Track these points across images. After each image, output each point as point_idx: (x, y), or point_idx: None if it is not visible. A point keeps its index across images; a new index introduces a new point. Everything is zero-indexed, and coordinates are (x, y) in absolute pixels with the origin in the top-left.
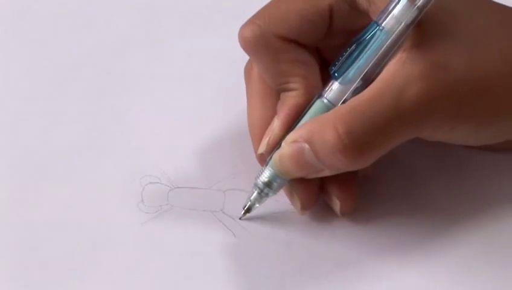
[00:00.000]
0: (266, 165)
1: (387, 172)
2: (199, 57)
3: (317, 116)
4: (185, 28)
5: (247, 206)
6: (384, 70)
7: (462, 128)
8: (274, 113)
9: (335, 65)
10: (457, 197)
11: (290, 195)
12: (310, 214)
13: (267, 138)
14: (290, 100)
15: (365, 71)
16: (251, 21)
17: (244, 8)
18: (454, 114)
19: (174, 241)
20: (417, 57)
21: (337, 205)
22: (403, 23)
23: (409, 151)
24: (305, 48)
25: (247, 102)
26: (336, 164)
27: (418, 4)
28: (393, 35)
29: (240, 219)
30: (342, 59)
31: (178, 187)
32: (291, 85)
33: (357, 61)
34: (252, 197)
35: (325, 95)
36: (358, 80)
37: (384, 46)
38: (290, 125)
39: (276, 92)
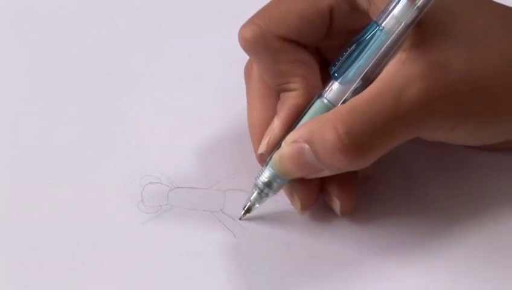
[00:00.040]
0: (266, 165)
1: (387, 172)
2: (199, 57)
3: (317, 116)
4: (185, 28)
5: (247, 207)
6: (384, 70)
7: (462, 129)
8: (274, 113)
9: (335, 65)
10: (457, 197)
11: (290, 195)
12: (310, 214)
13: (267, 138)
14: (290, 100)
15: (365, 71)
16: (251, 21)
17: (244, 8)
18: (454, 114)
19: (174, 241)
20: (417, 57)
21: (337, 205)
22: (402, 23)
23: (409, 151)
24: (305, 48)
25: (247, 102)
26: (335, 164)
27: (418, 4)
28: (393, 36)
29: (239, 219)
30: (341, 59)
31: (178, 187)
32: (291, 85)
33: (357, 61)
34: (252, 197)
35: (325, 95)
36: (358, 80)
37: (384, 46)
38: (290, 125)
39: (276, 92)
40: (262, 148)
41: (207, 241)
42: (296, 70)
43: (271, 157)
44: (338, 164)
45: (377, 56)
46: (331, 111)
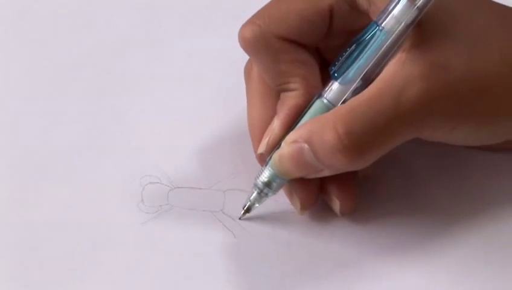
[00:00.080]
0: (266, 165)
1: (387, 172)
2: (199, 57)
3: (317, 117)
4: (185, 28)
5: (246, 206)
6: (384, 70)
7: (462, 129)
8: (274, 113)
9: (335, 65)
10: (457, 197)
11: (290, 195)
12: (309, 214)
13: (267, 138)
14: (290, 100)
15: (365, 71)
16: (251, 21)
17: (244, 8)
18: (454, 114)
19: (174, 241)
20: (417, 57)
21: (337, 205)
22: (402, 24)
23: (409, 151)
24: (305, 48)
25: (247, 102)
26: (335, 164)
27: (418, 4)
28: (393, 36)
29: (239, 218)
30: (341, 59)
31: (178, 187)
32: (291, 85)
33: (357, 61)
34: (251, 197)
35: (325, 95)
36: (358, 80)
37: (384, 46)
38: (290, 125)
39: (276, 92)
40: (262, 148)
41: (207, 241)
42: (296, 70)
43: (271, 157)
44: (338, 164)
45: (377, 56)
46: (331, 111)
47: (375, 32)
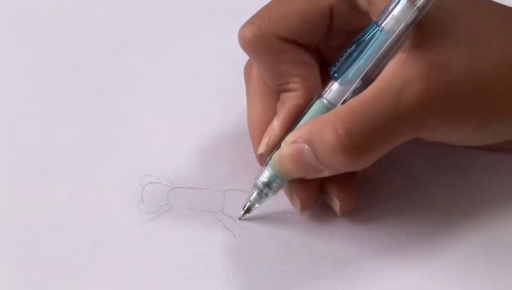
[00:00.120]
0: (266, 166)
1: (387, 172)
2: (199, 57)
3: (316, 117)
4: (185, 28)
5: (246, 207)
6: (384, 70)
7: (461, 129)
8: (274, 113)
9: (335, 65)
10: (457, 197)
11: (290, 195)
12: (310, 214)
13: (267, 138)
14: (290, 101)
15: (365, 72)
16: (251, 21)
17: (244, 8)
18: (454, 114)
19: (174, 242)
20: (417, 57)
21: (337, 205)
22: (402, 24)
23: (409, 151)
24: (305, 49)
25: (247, 102)
26: (335, 165)
27: (418, 4)
28: (393, 36)
29: (239, 219)
30: (341, 59)
31: (178, 187)
32: (291, 85)
33: (357, 61)
34: (251, 198)
35: (325, 96)
36: (358, 81)
37: (384, 47)
38: (290, 125)
39: (276, 92)
40: (262, 149)
41: (207, 242)
42: (296, 70)
43: (271, 158)
44: (338, 165)
45: (377, 56)
46: (331, 111)
47: (375, 32)
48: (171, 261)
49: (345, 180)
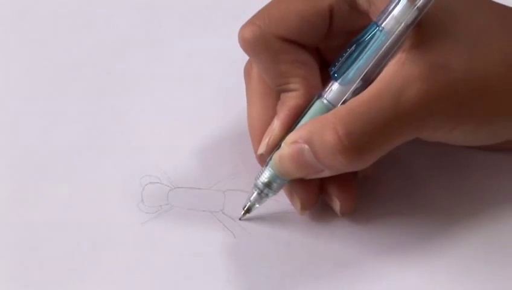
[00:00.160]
0: (266, 166)
1: (387, 172)
2: (199, 57)
3: (317, 117)
4: (185, 28)
5: (247, 207)
6: (384, 71)
7: (461, 129)
8: (274, 113)
9: (335, 66)
10: (457, 197)
11: (290, 195)
12: (310, 214)
13: (267, 139)
14: (290, 101)
15: (365, 72)
16: (251, 21)
17: (244, 8)
18: (454, 114)
19: (174, 242)
20: (417, 57)
21: (337, 205)
22: (402, 24)
23: (409, 151)
24: (305, 49)
25: (247, 102)
26: (335, 165)
27: (418, 4)
28: (393, 36)
29: (239, 219)
30: (341, 60)
31: (178, 187)
32: (291, 86)
33: (357, 61)
34: (251, 198)
35: (325, 96)
36: (358, 81)
37: (384, 47)
38: (290, 125)
39: (276, 92)
40: (262, 149)
41: (207, 242)
42: (296, 70)
43: (271, 158)
44: (338, 165)
45: (377, 57)
46: (331, 112)
47: (375, 32)
48: (171, 261)
49: (345, 181)
